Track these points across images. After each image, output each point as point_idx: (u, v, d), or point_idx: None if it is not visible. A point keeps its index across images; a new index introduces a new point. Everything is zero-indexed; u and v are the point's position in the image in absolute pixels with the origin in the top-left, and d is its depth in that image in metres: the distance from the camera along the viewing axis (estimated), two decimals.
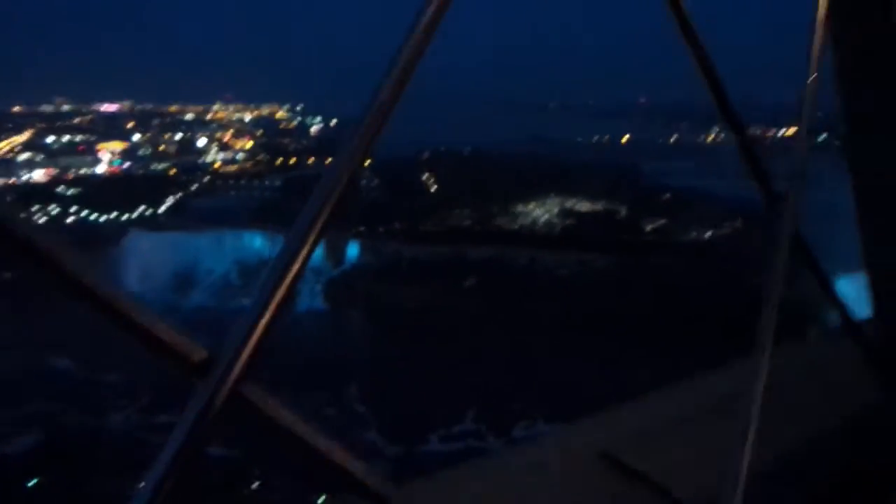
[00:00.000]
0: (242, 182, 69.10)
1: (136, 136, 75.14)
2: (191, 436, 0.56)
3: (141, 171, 70.19)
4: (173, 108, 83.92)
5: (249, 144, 77.91)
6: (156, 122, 79.29)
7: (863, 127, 2.88)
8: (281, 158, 71.75)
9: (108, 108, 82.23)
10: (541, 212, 61.08)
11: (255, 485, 28.69)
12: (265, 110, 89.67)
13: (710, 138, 77.70)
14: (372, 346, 44.67)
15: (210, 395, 0.58)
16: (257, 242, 59.01)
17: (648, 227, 56.04)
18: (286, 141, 77.16)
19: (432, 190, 63.84)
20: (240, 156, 75.43)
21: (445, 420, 35.88)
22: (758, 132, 69.03)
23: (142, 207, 62.05)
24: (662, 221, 55.46)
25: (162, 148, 75.29)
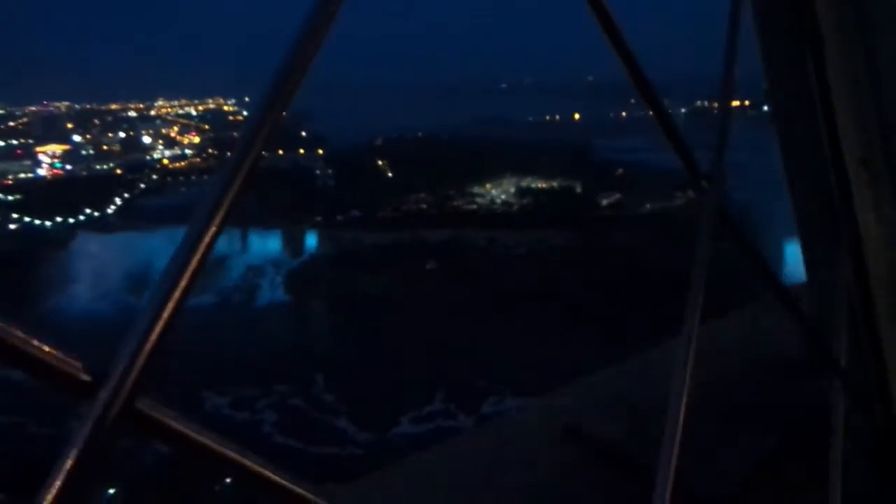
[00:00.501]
0: (192, 178, 67.49)
1: (77, 137, 72.61)
2: (79, 460, 0.53)
3: (84, 173, 68.00)
4: (114, 105, 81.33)
5: (197, 139, 76.11)
6: (96, 121, 76.72)
7: (784, 93, 2.94)
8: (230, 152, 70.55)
9: (44, 109, 79.18)
10: (497, 192, 61.35)
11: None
12: (211, 104, 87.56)
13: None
14: (336, 334, 44.42)
15: (99, 415, 0.55)
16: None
17: (604, 202, 56.75)
18: (235, 134, 75.62)
19: (388, 176, 63.56)
20: (188, 151, 73.64)
21: (415, 402, 35.86)
22: (706, 103, 70.77)
23: (89, 210, 60.23)
24: (617, 196, 56.31)
25: (105, 147, 72.98)
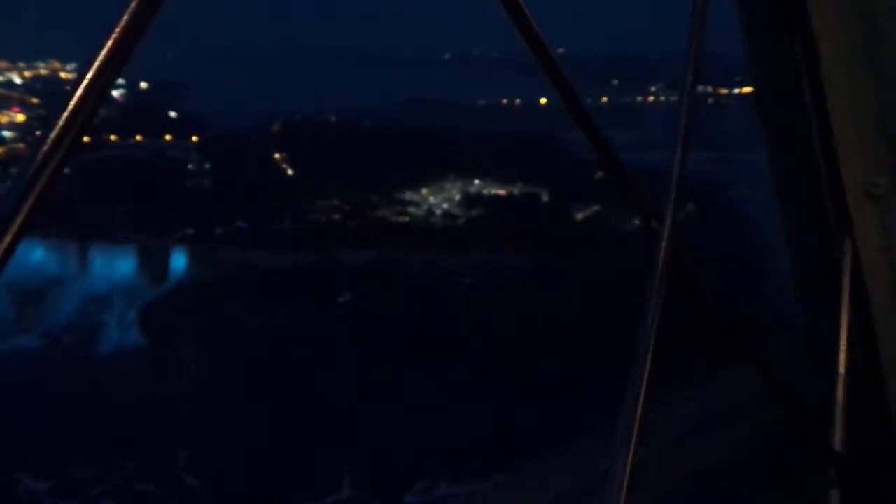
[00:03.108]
0: (13, 170, 65.70)
1: None
2: None
3: None
4: None
5: (21, 117, 74.09)
6: None
7: (769, 79, 3.27)
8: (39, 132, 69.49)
9: None
10: (437, 199, 61.49)
11: None
12: (43, 69, 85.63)
13: (649, 98, 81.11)
14: (208, 392, 43.15)
15: None
16: (36, 255, 56.46)
17: (579, 216, 57.54)
18: None
19: (288, 174, 63.57)
20: (6, 133, 71.54)
21: (315, 490, 35.36)
22: (707, 89, 73.58)
23: None
24: (596, 208, 57.12)
25: None
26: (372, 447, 37.15)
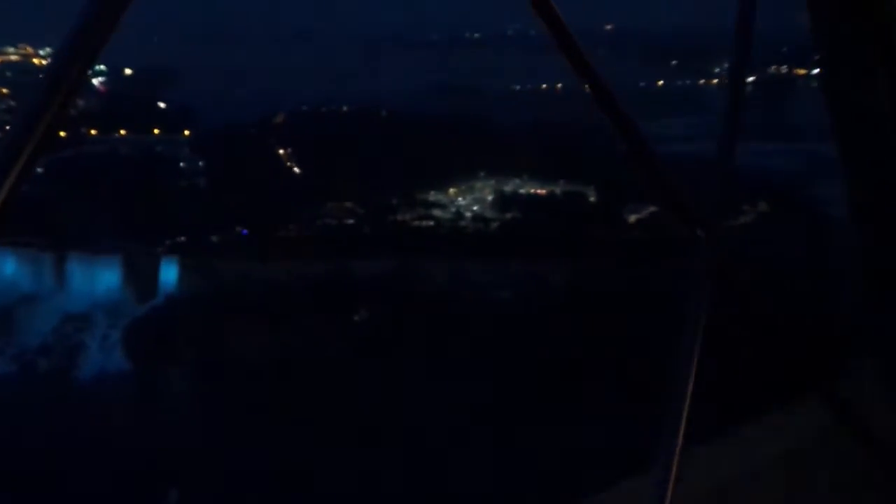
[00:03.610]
0: None
1: None
2: None
3: None
4: None
5: None
6: None
7: (839, 56, 3.45)
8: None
9: None
10: (466, 200, 61.52)
11: None
12: (14, 55, 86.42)
13: (713, 81, 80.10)
14: (204, 428, 43.52)
15: None
16: (5, 268, 57.19)
17: (633, 219, 57.34)
18: None
19: (294, 172, 63.63)
20: None
21: None
22: (782, 70, 72.75)
23: None
24: (652, 209, 56.40)
25: None
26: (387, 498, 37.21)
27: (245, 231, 57.33)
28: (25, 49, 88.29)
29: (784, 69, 72.91)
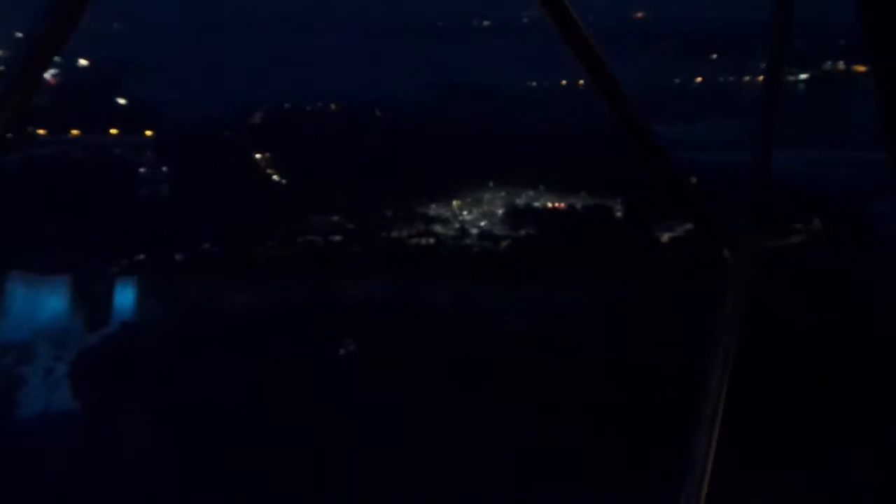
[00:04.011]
0: None
1: None
2: None
3: None
4: None
5: None
6: None
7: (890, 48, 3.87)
8: None
9: None
10: (472, 214, 61.78)
11: None
12: None
13: (759, 78, 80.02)
14: (163, 478, 42.15)
15: None
16: None
17: (665, 237, 57.50)
18: None
19: (273, 180, 64.08)
20: None
21: None
22: (840, 66, 72.72)
23: None
24: (688, 227, 56.26)
25: None
26: None
27: (214, 248, 57.57)
28: None
29: (841, 65, 72.74)
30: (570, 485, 38.93)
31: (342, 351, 50.35)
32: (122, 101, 71.09)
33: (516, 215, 61.05)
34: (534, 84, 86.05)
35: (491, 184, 62.88)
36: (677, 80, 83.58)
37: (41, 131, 68.46)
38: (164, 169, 63.15)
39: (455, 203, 61.82)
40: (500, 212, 61.60)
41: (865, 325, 45.38)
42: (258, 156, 64.74)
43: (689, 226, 58.60)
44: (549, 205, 62.25)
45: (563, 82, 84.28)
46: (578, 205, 61.53)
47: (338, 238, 58.61)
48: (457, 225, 60.69)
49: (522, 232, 59.80)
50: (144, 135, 67.29)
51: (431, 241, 59.42)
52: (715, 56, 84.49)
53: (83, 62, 79.96)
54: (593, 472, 39.06)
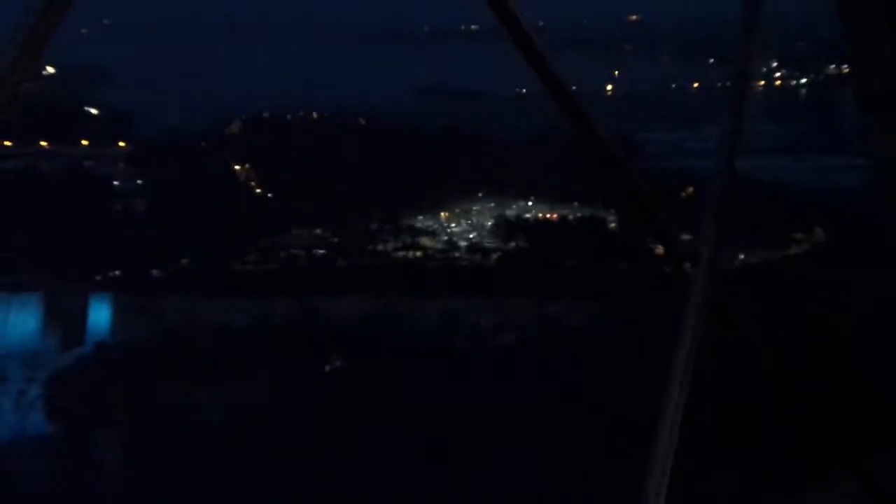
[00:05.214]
0: None
1: None
2: None
3: None
4: None
5: None
6: None
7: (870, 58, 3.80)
8: None
9: None
10: (461, 226, 61.91)
11: None
12: None
13: (759, 83, 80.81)
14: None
15: None
16: None
17: (660, 249, 57.05)
18: None
19: (253, 191, 64.00)
20: None
21: None
22: (844, 69, 73.30)
23: None
24: (685, 237, 56.82)
25: None
26: None
27: (191, 264, 57.65)
28: None
29: (846, 68, 73.38)
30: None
31: (327, 367, 50.66)
32: (92, 110, 70.68)
33: (507, 227, 61.00)
34: (523, 90, 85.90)
35: (480, 194, 63.08)
36: (674, 85, 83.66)
37: (7, 143, 67.66)
38: (139, 181, 63.17)
39: (443, 215, 61.97)
40: (490, 223, 61.67)
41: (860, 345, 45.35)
42: (237, 167, 64.72)
43: (685, 236, 58.93)
44: (541, 216, 62.37)
45: None
46: (571, 216, 61.73)
47: (321, 252, 58.62)
48: (445, 237, 60.78)
49: (513, 244, 59.88)
50: (117, 146, 67.09)
51: (419, 254, 59.41)
52: (712, 60, 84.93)
53: (50, 69, 79.20)
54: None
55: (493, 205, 62.86)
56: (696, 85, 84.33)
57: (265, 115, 71.18)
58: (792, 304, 50.22)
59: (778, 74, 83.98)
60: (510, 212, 62.49)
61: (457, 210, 62.52)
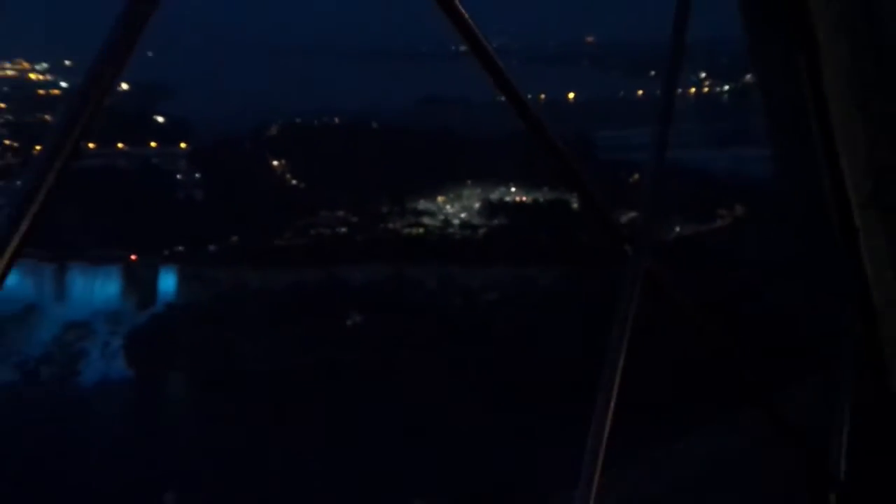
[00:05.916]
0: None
1: None
2: None
3: None
4: None
5: None
6: None
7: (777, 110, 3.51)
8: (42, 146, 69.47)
9: None
10: (454, 208, 62.16)
11: None
12: (10, 69, 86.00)
13: (691, 90, 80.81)
14: (204, 431, 43.73)
15: None
16: (10, 278, 56.59)
17: None
18: (47, 116, 74.30)
19: (289, 183, 64.01)
20: None
21: None
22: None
23: None
24: (632, 215, 56.75)
25: None
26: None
27: (240, 240, 57.38)
28: (21, 64, 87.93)
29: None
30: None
31: (349, 322, 51.13)
32: (159, 118, 70.44)
33: (490, 208, 61.36)
34: (503, 99, 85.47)
35: (469, 182, 62.93)
36: (622, 94, 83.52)
37: (91, 145, 68.25)
38: (197, 175, 63.45)
39: (440, 199, 62.09)
40: (477, 205, 61.89)
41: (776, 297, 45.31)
42: (275, 163, 64.66)
43: (632, 213, 58.96)
44: (518, 199, 62.48)
45: (528, 96, 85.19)
46: (542, 199, 61.78)
47: (343, 230, 58.81)
48: (441, 217, 61.10)
49: (496, 222, 60.31)
50: (179, 147, 67.23)
51: (421, 230, 59.78)
52: (653, 73, 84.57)
53: (124, 86, 79.51)
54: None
55: (479, 191, 62.76)
56: (640, 93, 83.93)
57: (297, 121, 70.54)
58: (718, 264, 50.78)
59: (707, 83, 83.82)
60: (493, 196, 62.53)
61: (450, 195, 62.53)
